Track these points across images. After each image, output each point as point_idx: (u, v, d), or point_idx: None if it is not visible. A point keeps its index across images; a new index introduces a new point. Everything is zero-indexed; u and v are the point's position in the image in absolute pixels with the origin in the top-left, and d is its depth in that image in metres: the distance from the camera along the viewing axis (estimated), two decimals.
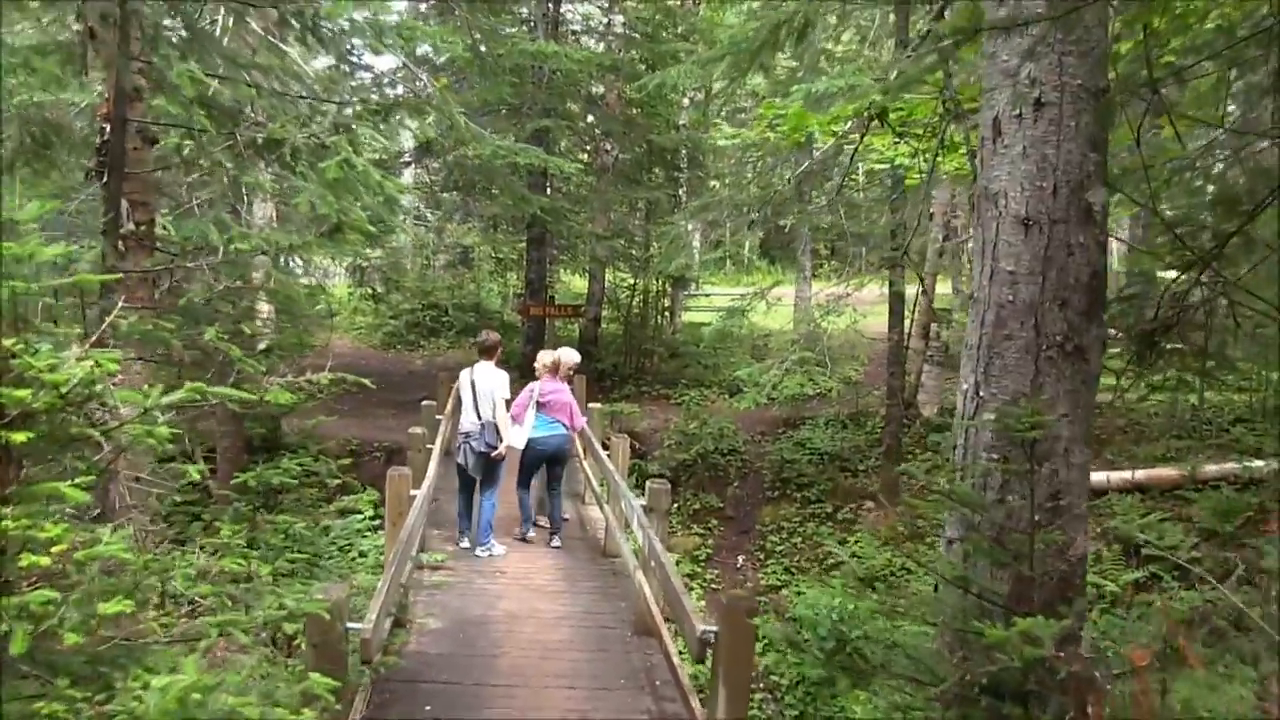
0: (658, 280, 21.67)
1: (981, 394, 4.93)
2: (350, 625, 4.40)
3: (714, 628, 4.68)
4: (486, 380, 9.27)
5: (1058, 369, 4.78)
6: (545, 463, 9.80)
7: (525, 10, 17.87)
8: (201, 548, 4.45)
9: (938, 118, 6.04)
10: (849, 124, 6.63)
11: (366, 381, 5.72)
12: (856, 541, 13.67)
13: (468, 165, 18.82)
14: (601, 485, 10.62)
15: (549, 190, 18.79)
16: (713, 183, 19.03)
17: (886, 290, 13.89)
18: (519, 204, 15.94)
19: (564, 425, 9.80)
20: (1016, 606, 3.92)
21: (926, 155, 7.10)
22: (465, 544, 9.56)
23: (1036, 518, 4.37)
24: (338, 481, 7.46)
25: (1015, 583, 4.16)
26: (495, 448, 9.19)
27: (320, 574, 7.21)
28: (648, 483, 7.80)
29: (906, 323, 14.75)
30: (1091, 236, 4.87)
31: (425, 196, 23.81)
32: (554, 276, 28.29)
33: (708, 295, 30.93)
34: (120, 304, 5.53)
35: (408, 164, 19.60)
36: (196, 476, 4.10)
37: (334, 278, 30.76)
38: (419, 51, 15.97)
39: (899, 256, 12.72)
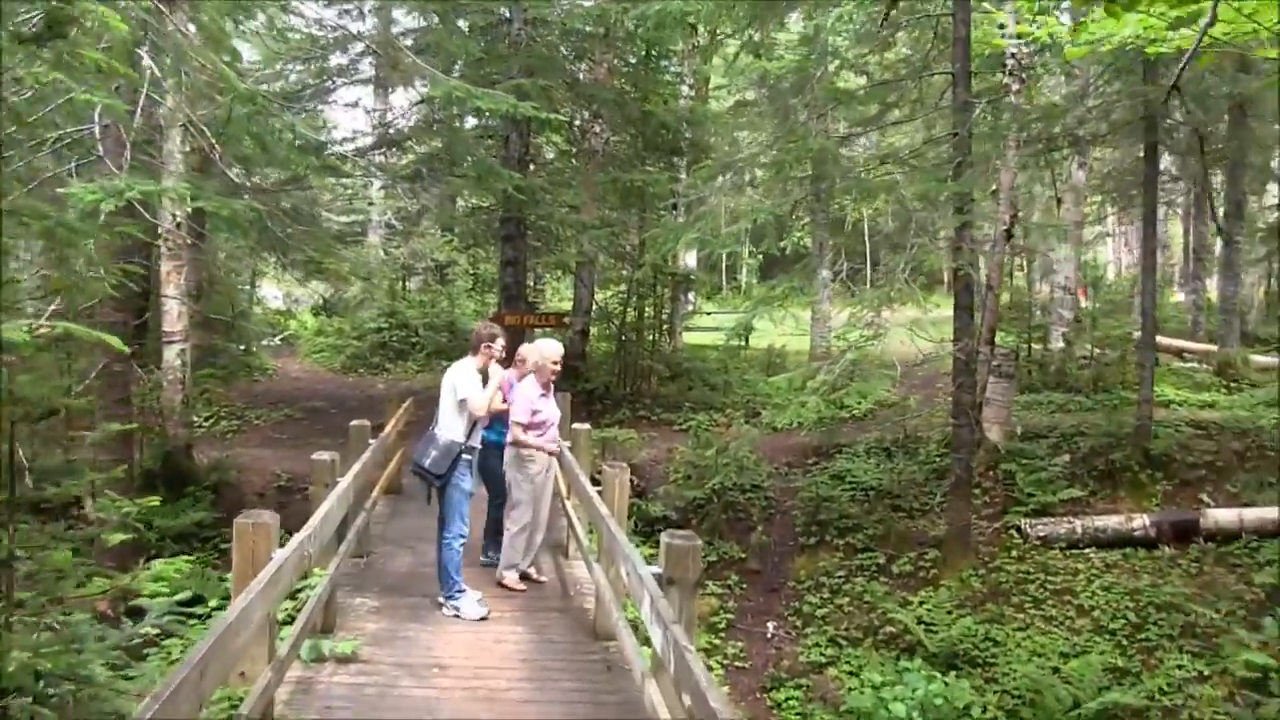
0: (655, 289, 18.63)
1: None
2: None
3: None
4: (448, 377, 7.22)
5: None
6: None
7: None
8: None
9: None
10: None
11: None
12: (922, 603, 10.59)
13: (436, 153, 16.14)
14: (591, 535, 7.60)
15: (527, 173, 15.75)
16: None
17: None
18: (488, 178, 12.90)
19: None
20: None
21: None
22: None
23: None
24: (121, 539, 4.38)
25: None
26: (422, 466, 6.89)
27: (83, 700, 4.10)
28: (664, 538, 4.72)
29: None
30: None
31: (391, 199, 20.89)
32: (539, 294, 25.43)
33: (709, 314, 28.36)
34: None
35: (366, 152, 16.62)
36: None
37: (303, 304, 28.27)
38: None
39: (967, 229, 9.75)
